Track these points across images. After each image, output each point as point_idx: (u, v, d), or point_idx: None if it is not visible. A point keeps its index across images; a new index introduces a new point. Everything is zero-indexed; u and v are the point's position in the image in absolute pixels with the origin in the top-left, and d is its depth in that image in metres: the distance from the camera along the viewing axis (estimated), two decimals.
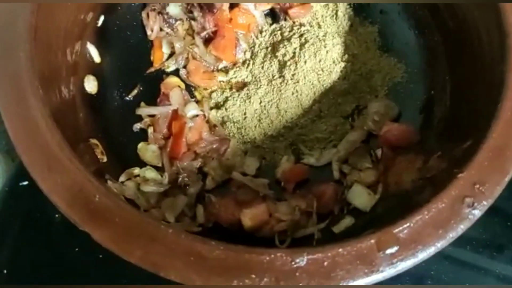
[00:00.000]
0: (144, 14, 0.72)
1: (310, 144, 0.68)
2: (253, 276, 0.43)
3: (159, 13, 0.72)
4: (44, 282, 0.65)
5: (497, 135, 0.50)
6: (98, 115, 0.65)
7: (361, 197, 0.63)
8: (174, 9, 0.72)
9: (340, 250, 0.45)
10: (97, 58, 0.68)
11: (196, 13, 0.72)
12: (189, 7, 0.73)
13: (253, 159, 0.67)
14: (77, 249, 0.66)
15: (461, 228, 0.47)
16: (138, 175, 0.62)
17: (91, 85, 0.66)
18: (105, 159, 0.62)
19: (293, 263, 0.44)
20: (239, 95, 0.70)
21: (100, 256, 0.64)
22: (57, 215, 0.66)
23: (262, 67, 0.71)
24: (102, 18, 0.70)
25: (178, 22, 0.72)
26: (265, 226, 0.60)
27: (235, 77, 0.72)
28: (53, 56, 0.58)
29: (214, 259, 0.44)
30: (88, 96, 0.66)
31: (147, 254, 0.44)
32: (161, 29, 0.72)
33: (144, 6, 0.73)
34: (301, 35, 0.71)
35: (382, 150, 0.65)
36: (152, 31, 0.72)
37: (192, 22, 0.72)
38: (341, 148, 0.67)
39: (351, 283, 0.44)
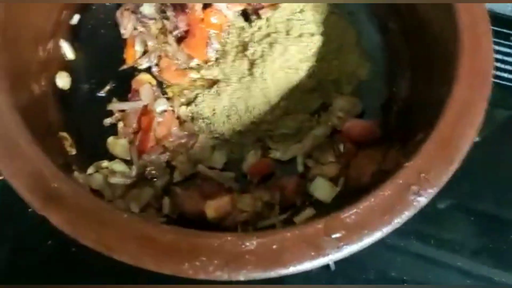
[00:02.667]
0: (118, 13, 0.75)
1: (276, 140, 0.70)
2: (204, 258, 0.45)
3: (133, 12, 0.75)
4: (17, 275, 0.66)
5: (445, 127, 0.53)
6: (69, 110, 0.67)
7: (323, 189, 0.64)
8: (147, 9, 0.75)
9: (289, 234, 0.47)
10: (70, 55, 0.70)
11: (169, 13, 0.74)
12: (162, 7, 0.75)
13: (221, 153, 0.69)
14: (49, 242, 0.68)
15: (406, 214, 0.49)
16: (107, 168, 0.64)
17: (63, 81, 0.68)
18: (74, 152, 0.63)
19: (242, 246, 0.46)
20: (209, 92, 0.72)
21: (73, 249, 0.66)
22: (29, 209, 0.68)
23: (233, 66, 0.73)
24: (76, 16, 0.72)
25: (152, 21, 0.74)
26: (228, 216, 0.61)
27: (207, 75, 0.74)
28: (23, 52, 0.60)
29: (166, 242, 0.46)
30: (60, 92, 0.68)
31: (101, 237, 0.46)
32: (134, 28, 0.74)
33: (118, 5, 0.75)
34: (270, 35, 0.74)
35: (344, 145, 0.67)
36: (125, 29, 0.74)
37: (165, 21, 0.74)
38: (306, 143, 0.69)
39: (298, 266, 0.46)
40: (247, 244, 0.46)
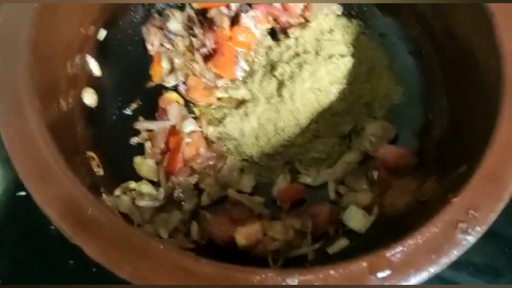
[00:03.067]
0: (144, 29, 0.73)
1: (306, 164, 0.68)
2: None
3: (160, 28, 0.73)
4: None
5: (492, 160, 0.50)
6: (96, 128, 0.65)
7: (356, 219, 0.62)
8: (174, 25, 0.73)
9: (332, 272, 0.44)
10: (97, 72, 0.69)
11: (197, 30, 0.73)
12: (189, 23, 0.73)
13: (250, 176, 0.67)
14: (71, 261, 0.66)
15: (454, 254, 0.46)
16: (134, 189, 0.62)
17: (90, 98, 0.66)
18: (101, 172, 0.62)
19: (284, 283, 0.44)
20: (237, 112, 0.70)
21: (94, 269, 0.64)
22: (52, 227, 0.66)
23: (261, 86, 0.72)
24: (103, 32, 0.70)
25: (179, 38, 0.73)
26: (259, 244, 0.59)
27: (234, 94, 0.72)
28: (53, 69, 0.58)
29: (204, 276, 0.44)
30: (87, 109, 0.66)
31: (137, 269, 0.44)
32: (161, 45, 0.73)
33: (145, 20, 0.74)
34: (299, 55, 0.72)
35: (378, 172, 0.65)
36: (152, 46, 0.72)
37: (192, 38, 0.72)
38: (338, 169, 0.67)
39: None
40: (288, 281, 0.44)
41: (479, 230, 0.47)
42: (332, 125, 0.69)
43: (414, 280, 0.45)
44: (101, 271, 0.64)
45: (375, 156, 0.66)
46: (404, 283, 0.45)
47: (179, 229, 0.60)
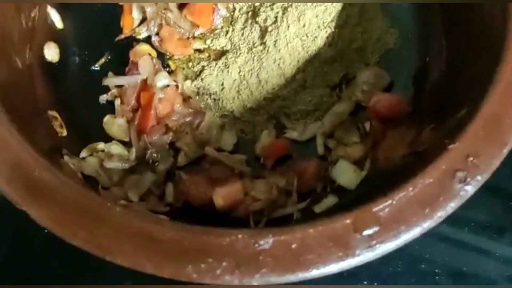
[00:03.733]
0: None
1: (293, 117, 0.63)
2: (210, 260, 0.38)
3: None
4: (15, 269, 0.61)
5: (495, 101, 0.44)
6: (59, 85, 0.60)
7: (346, 174, 0.57)
8: None
9: (311, 230, 0.40)
10: (59, 24, 0.63)
11: None
12: None
13: (231, 133, 0.62)
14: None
15: (451, 206, 0.41)
16: (103, 151, 0.57)
17: (52, 52, 0.61)
18: (64, 133, 0.57)
19: (256, 245, 0.39)
20: (216, 64, 0.64)
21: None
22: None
23: (242, 34, 0.65)
24: None
25: None
26: (240, 205, 0.55)
27: (213, 45, 0.66)
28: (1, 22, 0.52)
29: (167, 241, 0.39)
30: (48, 65, 0.61)
31: (92, 236, 0.39)
32: None
33: None
34: None
35: (371, 123, 0.60)
36: None
37: None
38: (327, 121, 0.61)
39: (323, 268, 0.39)
40: (262, 242, 0.39)
41: (480, 179, 0.42)
42: (321, 74, 0.63)
43: (405, 237, 0.40)
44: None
45: (367, 106, 0.61)
46: (394, 241, 0.40)
47: (152, 192, 0.55)
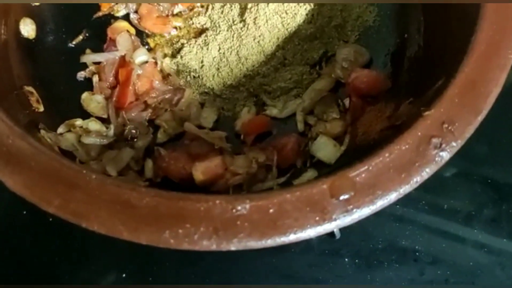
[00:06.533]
0: None
1: (273, 94, 0.63)
2: (188, 225, 0.38)
3: None
4: None
5: (469, 69, 0.45)
6: (35, 62, 0.60)
7: (326, 149, 0.57)
8: None
9: (288, 196, 0.40)
10: None
11: None
12: None
13: (211, 110, 0.61)
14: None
15: (427, 171, 0.41)
16: (81, 127, 0.56)
17: (28, 28, 0.60)
18: (41, 109, 0.56)
19: (233, 210, 0.39)
20: (196, 42, 0.64)
21: (50, 219, 0.59)
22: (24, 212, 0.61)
23: (222, 12, 0.65)
24: None
25: None
26: (219, 180, 0.54)
27: (192, 23, 0.66)
28: None
29: (143, 207, 0.39)
30: (25, 41, 0.60)
31: (66, 203, 0.39)
32: None
33: None
34: None
35: (350, 99, 0.60)
36: None
37: None
38: (306, 98, 0.62)
39: (300, 233, 0.39)
40: (239, 208, 0.39)
41: (455, 145, 0.42)
42: (300, 51, 0.63)
43: (382, 202, 0.40)
44: (58, 220, 0.61)
45: (346, 82, 0.61)
46: (370, 206, 0.40)
47: (131, 167, 0.55)
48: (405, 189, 0.41)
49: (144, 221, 0.38)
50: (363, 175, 0.40)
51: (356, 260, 0.61)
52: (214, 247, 0.38)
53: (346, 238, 0.61)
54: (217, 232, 0.38)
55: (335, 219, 0.39)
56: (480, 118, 0.44)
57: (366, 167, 0.41)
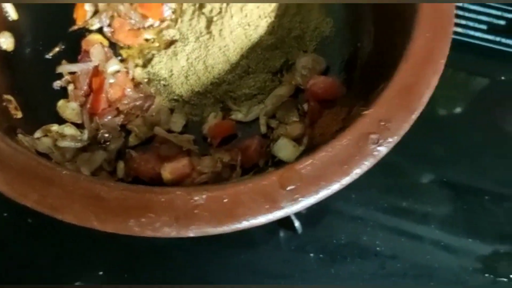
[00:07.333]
0: None
1: (238, 100, 0.67)
2: (151, 215, 0.43)
3: None
4: None
5: (406, 73, 0.50)
6: (14, 72, 0.63)
7: (286, 149, 0.62)
8: None
9: (242, 187, 0.44)
10: (13, 15, 0.66)
11: None
12: None
13: (180, 116, 0.66)
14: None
15: (366, 164, 0.47)
16: (57, 132, 0.60)
17: (7, 42, 0.64)
18: (19, 115, 0.60)
19: (192, 201, 0.43)
20: (166, 52, 0.68)
21: (29, 220, 0.63)
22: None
23: (190, 24, 0.70)
24: None
25: None
26: (186, 179, 0.59)
27: (163, 35, 0.70)
28: None
29: (113, 200, 0.43)
30: (4, 53, 0.64)
31: (43, 197, 0.43)
32: None
33: None
34: None
35: (308, 104, 0.65)
36: None
37: None
38: (269, 103, 0.66)
39: (252, 220, 0.44)
40: (197, 198, 0.43)
41: (391, 141, 0.47)
42: (263, 60, 0.68)
43: (325, 192, 0.45)
44: (37, 221, 0.64)
45: (305, 88, 0.66)
46: (315, 195, 0.45)
47: (104, 168, 0.59)
48: (346, 180, 0.46)
49: (112, 212, 0.43)
50: (309, 168, 0.45)
51: (321, 255, 0.65)
52: (174, 234, 0.42)
53: (312, 236, 0.65)
54: (178, 220, 0.43)
55: (283, 207, 0.44)
56: (414, 116, 0.49)
57: (310, 161, 0.46)
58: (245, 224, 0.43)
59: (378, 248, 0.65)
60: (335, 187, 0.45)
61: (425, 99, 0.50)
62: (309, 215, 0.64)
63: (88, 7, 0.69)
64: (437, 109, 0.74)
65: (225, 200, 0.43)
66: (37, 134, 0.59)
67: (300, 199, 0.44)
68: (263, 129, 0.65)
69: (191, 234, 0.43)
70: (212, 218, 0.43)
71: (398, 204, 0.68)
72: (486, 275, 0.64)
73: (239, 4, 0.67)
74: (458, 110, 0.74)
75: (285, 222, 0.62)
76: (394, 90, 0.50)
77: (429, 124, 0.69)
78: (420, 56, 0.51)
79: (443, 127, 0.73)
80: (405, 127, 0.48)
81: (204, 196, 0.43)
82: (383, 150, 0.47)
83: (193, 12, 0.71)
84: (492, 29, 0.77)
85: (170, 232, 0.42)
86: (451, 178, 0.69)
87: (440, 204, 0.68)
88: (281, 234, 0.65)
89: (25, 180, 0.43)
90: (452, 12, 0.53)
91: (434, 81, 0.51)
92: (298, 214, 0.62)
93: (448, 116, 0.74)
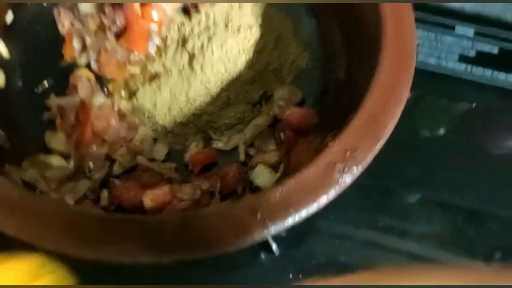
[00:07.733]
0: (56, 11, 0.74)
1: (219, 130, 0.70)
2: (128, 242, 0.45)
3: (71, 9, 0.74)
4: None
5: (371, 104, 0.54)
6: (4, 106, 0.66)
7: (263, 176, 0.65)
8: (85, 7, 0.74)
9: (214, 215, 0.47)
10: (5, 54, 0.70)
11: (107, 9, 0.74)
12: (100, 3, 0.75)
13: (162, 145, 0.69)
14: None
15: (333, 192, 0.49)
16: (43, 162, 0.63)
17: None
18: (8, 145, 0.63)
19: (166, 228, 0.46)
20: (150, 85, 0.72)
21: None
22: None
23: (174, 59, 0.73)
24: (10, 15, 0.71)
25: (89, 17, 0.74)
26: (167, 206, 0.61)
27: (147, 69, 0.74)
28: None
29: (91, 228, 0.46)
30: None
31: (24, 227, 0.45)
32: (72, 25, 0.74)
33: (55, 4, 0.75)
34: (209, 28, 0.74)
35: (285, 133, 0.68)
36: (63, 26, 0.73)
37: (103, 16, 0.74)
38: (248, 132, 0.69)
39: (225, 247, 0.46)
40: (170, 226, 0.46)
41: (356, 169, 0.50)
42: (242, 92, 0.71)
43: (294, 218, 0.48)
44: None
45: (282, 118, 0.69)
46: (284, 221, 0.47)
47: (88, 197, 0.61)
48: (313, 208, 0.48)
49: (91, 240, 0.45)
50: (278, 195, 0.48)
51: (300, 276, 0.67)
52: (150, 260, 0.45)
53: (291, 256, 0.67)
54: (154, 247, 0.45)
55: (253, 234, 0.47)
56: (378, 146, 0.52)
57: (280, 189, 0.48)
58: (215, 251, 0.46)
59: (356, 266, 0.67)
60: (303, 213, 0.48)
61: (390, 128, 0.53)
62: (289, 237, 0.66)
63: (76, 44, 0.73)
64: (419, 132, 0.77)
65: (199, 227, 0.46)
66: (24, 164, 0.62)
67: (270, 224, 0.47)
68: (242, 157, 0.68)
69: (167, 260, 0.45)
70: (186, 245, 0.45)
71: (376, 221, 0.70)
72: None
73: (220, 41, 0.71)
74: (440, 132, 0.78)
75: (264, 245, 0.64)
76: (361, 119, 0.53)
77: (409, 145, 0.73)
78: (384, 88, 0.54)
79: (423, 148, 0.76)
80: (370, 156, 0.51)
81: (178, 224, 0.46)
82: (348, 178, 0.50)
83: (177, 48, 0.74)
84: (463, 59, 0.81)
85: (146, 259, 0.44)
86: (430, 197, 0.72)
87: (419, 222, 0.71)
88: (262, 256, 0.67)
89: (7, 210, 0.46)
90: (413, 48, 0.57)
91: (399, 111, 0.54)
92: (276, 237, 0.64)
93: (429, 138, 0.78)
